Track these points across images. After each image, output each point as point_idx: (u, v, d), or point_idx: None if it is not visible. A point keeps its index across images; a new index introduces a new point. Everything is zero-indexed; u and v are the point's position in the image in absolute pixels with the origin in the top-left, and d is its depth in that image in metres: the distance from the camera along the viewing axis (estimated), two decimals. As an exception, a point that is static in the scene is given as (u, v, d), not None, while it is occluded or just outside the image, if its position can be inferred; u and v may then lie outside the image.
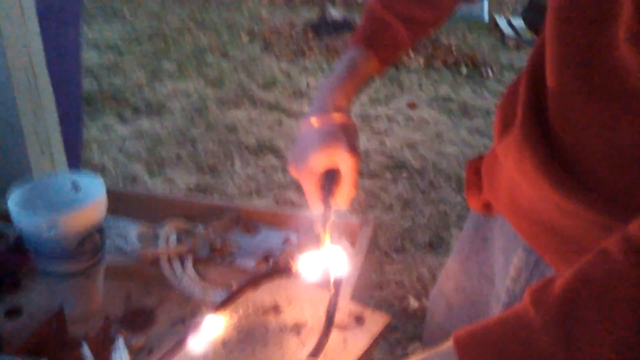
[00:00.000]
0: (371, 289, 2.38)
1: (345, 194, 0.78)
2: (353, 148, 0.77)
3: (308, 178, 0.77)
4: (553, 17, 0.61)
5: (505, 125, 0.72)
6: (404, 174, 3.30)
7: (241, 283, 0.79)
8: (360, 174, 3.18)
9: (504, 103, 0.77)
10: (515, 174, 0.70)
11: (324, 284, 0.76)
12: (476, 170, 0.86)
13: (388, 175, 3.28)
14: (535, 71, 0.67)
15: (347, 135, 0.77)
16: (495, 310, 0.80)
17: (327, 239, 0.76)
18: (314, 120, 0.79)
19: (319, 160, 0.76)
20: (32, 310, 0.87)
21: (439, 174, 3.32)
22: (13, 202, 0.80)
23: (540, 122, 0.65)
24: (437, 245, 2.71)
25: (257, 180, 3.16)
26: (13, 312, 0.86)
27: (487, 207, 0.83)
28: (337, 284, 0.74)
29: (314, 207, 0.78)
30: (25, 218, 0.78)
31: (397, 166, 3.39)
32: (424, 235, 2.77)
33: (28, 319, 0.85)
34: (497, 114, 0.78)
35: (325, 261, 0.76)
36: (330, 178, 0.77)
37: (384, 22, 0.85)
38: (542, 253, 0.72)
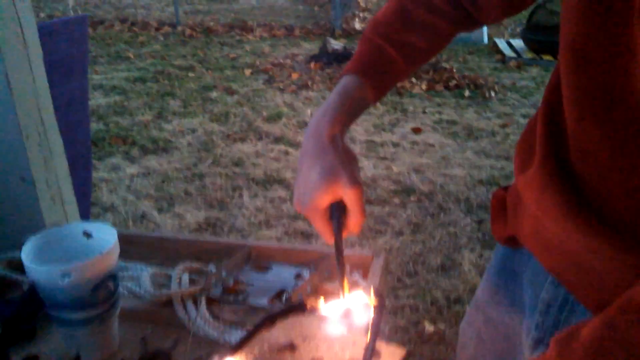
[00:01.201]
0: (385, 317, 2.37)
1: (354, 222, 0.77)
2: (354, 179, 0.75)
3: (315, 214, 0.77)
4: (568, 54, 0.60)
5: (525, 161, 0.72)
6: (412, 199, 3.31)
7: (257, 322, 0.79)
8: (369, 200, 3.20)
9: (523, 137, 0.76)
10: (537, 211, 0.70)
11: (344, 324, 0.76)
12: (501, 201, 0.84)
13: (396, 201, 3.28)
14: (552, 108, 0.66)
15: (346, 166, 0.75)
16: (526, 345, 0.78)
17: (343, 274, 0.76)
18: (311, 153, 0.78)
19: (322, 198, 0.75)
20: (48, 358, 0.87)
21: (447, 197, 3.32)
22: (26, 253, 0.81)
23: (559, 160, 0.64)
24: (449, 267, 2.70)
25: (266, 212, 3.17)
26: (30, 361, 0.87)
27: (513, 241, 0.81)
28: (375, 328, 0.73)
29: (327, 239, 0.78)
30: (38, 268, 0.79)
31: (405, 191, 3.39)
32: (435, 259, 2.76)
33: (45, 368, 0.86)
34: (517, 148, 0.77)
35: (351, 306, 0.76)
36: (338, 209, 0.77)
37: (379, 50, 0.84)
38: (569, 288, 0.70)
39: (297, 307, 0.77)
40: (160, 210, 3.23)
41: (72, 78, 1.90)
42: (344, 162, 0.76)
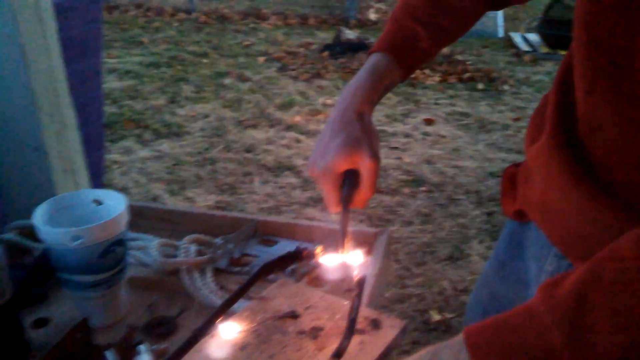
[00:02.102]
0: (391, 302, 2.38)
1: (363, 196, 0.79)
2: (374, 152, 0.78)
3: (328, 178, 0.78)
4: (580, 30, 0.61)
5: (535, 134, 0.73)
6: (423, 189, 3.31)
7: (255, 272, 0.78)
8: (379, 189, 3.20)
9: (536, 113, 0.78)
10: (545, 181, 0.71)
11: (343, 285, 0.77)
12: (511, 178, 0.85)
13: (406, 191, 3.29)
14: (564, 83, 0.68)
15: (370, 139, 0.78)
16: None
17: (346, 240, 0.77)
18: (337, 123, 0.80)
19: (341, 161, 0.77)
20: (58, 320, 0.89)
21: (457, 189, 3.32)
22: (38, 216, 0.83)
23: (568, 130, 0.66)
24: (458, 258, 2.70)
25: (275, 198, 3.19)
26: (40, 323, 0.89)
27: (521, 214, 0.83)
28: (360, 284, 0.74)
29: (331, 207, 0.79)
30: (50, 230, 0.81)
31: (416, 181, 3.39)
32: (444, 249, 2.76)
33: (54, 329, 0.88)
34: (529, 123, 0.79)
35: (346, 262, 0.77)
36: (349, 179, 0.78)
37: (408, 30, 0.85)
38: (573, 260, 0.71)
39: (293, 255, 0.76)
40: (171, 193, 3.26)
41: (85, 56, 1.91)
42: (368, 135, 0.79)
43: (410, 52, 0.86)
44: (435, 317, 2.32)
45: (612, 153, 0.61)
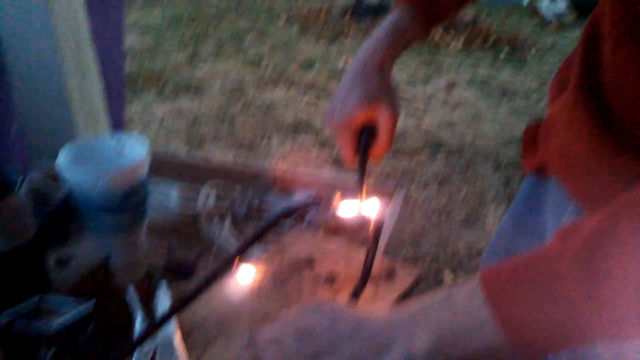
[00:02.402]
0: (405, 260, 2.40)
1: (380, 149, 0.79)
2: (394, 105, 0.78)
3: (345, 129, 0.78)
4: None
5: (560, 89, 0.73)
6: (441, 153, 3.29)
7: (273, 217, 0.79)
8: (397, 152, 3.19)
9: (561, 69, 0.77)
10: (568, 134, 0.71)
11: (360, 236, 0.77)
12: (533, 134, 0.85)
13: (425, 154, 3.27)
14: (591, 37, 0.67)
15: (389, 93, 0.78)
16: None
17: (364, 189, 0.77)
18: (357, 75, 0.79)
19: (360, 113, 0.77)
20: (80, 260, 0.92)
21: (476, 153, 3.30)
22: (62, 158, 0.84)
23: (592, 87, 0.65)
24: (474, 221, 2.70)
25: (293, 157, 3.20)
26: (62, 262, 0.91)
27: (541, 169, 0.83)
28: (377, 229, 0.75)
29: (347, 159, 0.79)
30: (73, 173, 0.82)
31: (435, 145, 3.37)
32: (460, 212, 2.76)
33: (75, 269, 0.90)
34: (553, 79, 0.78)
35: (364, 209, 0.77)
36: (366, 132, 0.78)
37: None
38: (591, 212, 0.71)
39: (311, 201, 0.77)
40: (190, 149, 3.28)
41: (108, 8, 1.91)
42: (387, 89, 0.79)
43: (433, 6, 0.85)
44: (449, 277, 2.33)
45: (636, 107, 0.60)
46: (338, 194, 0.75)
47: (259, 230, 0.71)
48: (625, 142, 0.61)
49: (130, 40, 4.82)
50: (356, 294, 0.71)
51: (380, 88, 0.78)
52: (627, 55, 0.60)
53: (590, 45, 0.67)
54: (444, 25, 5.37)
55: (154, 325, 0.62)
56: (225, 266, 0.69)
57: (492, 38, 5.23)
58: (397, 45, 0.83)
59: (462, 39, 5.17)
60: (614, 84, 0.63)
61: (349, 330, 0.55)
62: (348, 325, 0.55)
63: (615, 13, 0.61)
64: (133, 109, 3.67)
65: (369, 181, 0.80)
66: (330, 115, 0.81)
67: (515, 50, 5.03)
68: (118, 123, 2.13)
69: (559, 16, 5.92)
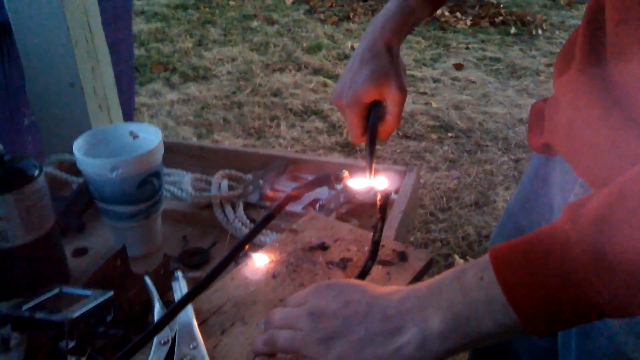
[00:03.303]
0: (415, 245, 2.41)
1: (388, 127, 0.79)
2: (402, 84, 0.78)
3: (354, 108, 0.79)
4: None
5: (564, 65, 0.73)
6: (450, 135, 3.29)
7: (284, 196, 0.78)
8: (406, 134, 3.18)
9: (565, 46, 0.77)
10: (572, 112, 0.71)
11: (371, 221, 0.77)
12: (539, 112, 0.85)
13: (434, 136, 3.27)
14: (594, 14, 0.67)
15: (397, 72, 0.79)
16: None
17: (372, 167, 0.77)
18: (366, 54, 0.80)
19: (368, 92, 0.78)
20: (96, 250, 0.93)
21: (485, 135, 3.29)
22: (77, 147, 0.86)
23: (596, 62, 0.65)
24: (483, 204, 2.71)
25: (302, 142, 3.20)
26: (79, 252, 0.93)
27: (547, 148, 0.83)
28: (384, 206, 0.75)
29: (355, 138, 0.80)
30: (90, 161, 0.84)
31: (443, 127, 3.37)
32: (469, 195, 2.76)
33: (92, 258, 0.92)
34: (558, 56, 0.78)
35: (373, 186, 0.77)
36: (375, 110, 0.79)
37: None
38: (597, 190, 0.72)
39: (322, 179, 0.77)
40: (199, 136, 3.29)
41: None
42: (396, 67, 0.79)
43: None
44: (459, 261, 2.34)
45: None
46: (346, 172, 0.75)
47: (272, 210, 0.72)
48: (630, 119, 0.61)
49: (137, 26, 4.82)
50: (362, 275, 0.72)
51: (389, 66, 0.79)
52: (631, 31, 0.60)
53: (594, 21, 0.67)
54: (452, 4, 5.33)
55: (171, 312, 0.64)
56: (239, 248, 0.70)
57: (501, 15, 5.18)
58: (404, 23, 0.83)
59: (470, 18, 5.13)
60: (618, 60, 0.63)
61: (361, 312, 0.56)
62: (360, 307, 0.56)
63: None
64: (141, 96, 3.68)
65: (377, 162, 0.80)
66: (339, 94, 0.81)
67: (524, 28, 4.99)
68: (128, 112, 2.15)
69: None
